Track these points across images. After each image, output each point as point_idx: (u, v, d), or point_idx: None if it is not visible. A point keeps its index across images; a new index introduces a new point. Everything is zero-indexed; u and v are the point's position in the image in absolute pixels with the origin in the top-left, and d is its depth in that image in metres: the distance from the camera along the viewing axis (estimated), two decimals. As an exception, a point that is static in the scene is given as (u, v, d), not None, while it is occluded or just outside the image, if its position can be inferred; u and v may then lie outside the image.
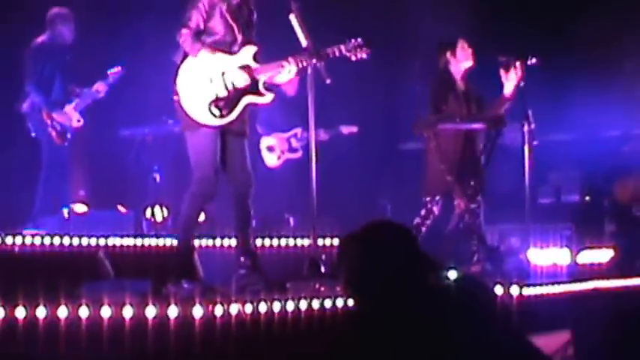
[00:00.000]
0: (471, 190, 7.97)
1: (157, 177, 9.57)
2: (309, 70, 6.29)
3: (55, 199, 8.24)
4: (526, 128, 7.66)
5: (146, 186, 9.61)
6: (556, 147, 9.91)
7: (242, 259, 6.32)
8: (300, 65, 6.30)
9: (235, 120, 6.25)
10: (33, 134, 8.49)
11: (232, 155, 6.29)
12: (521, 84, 7.83)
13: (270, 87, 6.39)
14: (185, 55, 6.22)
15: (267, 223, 8.32)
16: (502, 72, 7.84)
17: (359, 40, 6.35)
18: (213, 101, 6.15)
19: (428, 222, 7.87)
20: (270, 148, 9.59)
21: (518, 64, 7.79)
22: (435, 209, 7.88)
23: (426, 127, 7.92)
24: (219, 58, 6.20)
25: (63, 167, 8.42)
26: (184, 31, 6.13)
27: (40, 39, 8.53)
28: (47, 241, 6.48)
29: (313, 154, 6.38)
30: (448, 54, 8.13)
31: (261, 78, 6.31)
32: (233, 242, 6.81)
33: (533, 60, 7.77)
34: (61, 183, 8.36)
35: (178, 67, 6.22)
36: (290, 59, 6.28)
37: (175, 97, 6.18)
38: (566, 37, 10.48)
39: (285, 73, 6.32)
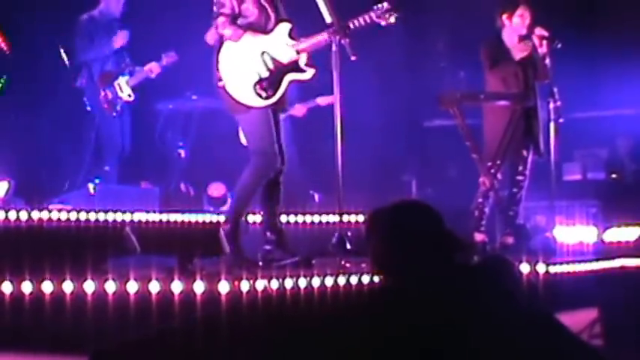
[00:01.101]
0: (521, 162, 7.87)
1: (182, 153, 9.54)
2: (334, 47, 6.20)
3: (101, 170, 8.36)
4: (552, 105, 7.59)
5: (172, 162, 9.58)
6: (582, 124, 9.79)
7: (268, 234, 6.28)
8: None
9: (281, 98, 6.23)
10: (88, 108, 8.57)
11: (279, 132, 6.30)
12: (547, 61, 7.74)
13: (311, 63, 6.34)
14: (222, 39, 6.15)
15: (292, 200, 8.25)
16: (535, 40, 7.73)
17: (385, 4, 6.25)
18: (258, 82, 6.11)
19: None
20: None
21: (545, 42, 7.69)
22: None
23: (450, 103, 7.78)
24: (257, 39, 6.16)
25: (111, 138, 8.50)
26: (221, 19, 6.08)
27: (90, 13, 8.56)
28: (73, 216, 6.45)
29: (339, 130, 6.31)
30: (505, 17, 7.93)
31: (301, 54, 6.26)
32: (258, 218, 6.75)
33: (559, 45, 7.67)
34: (109, 156, 8.47)
35: (218, 52, 6.16)
36: (325, 33, 6.22)
37: (220, 83, 6.13)
38: (593, 16, 10.35)
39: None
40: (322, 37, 6.22)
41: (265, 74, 6.14)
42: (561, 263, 6.69)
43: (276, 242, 6.27)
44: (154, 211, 6.96)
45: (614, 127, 10.36)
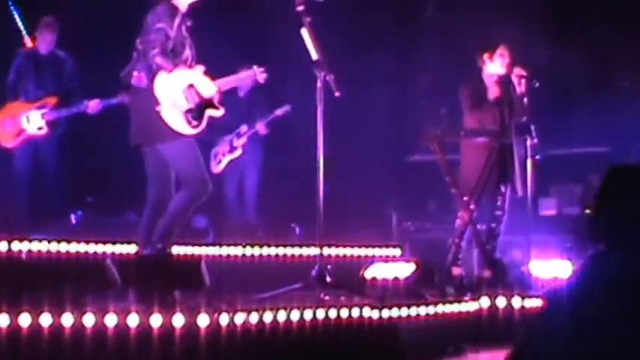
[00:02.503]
0: (500, 197, 7.84)
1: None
2: (319, 83, 6.20)
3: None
4: (529, 142, 7.58)
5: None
6: (558, 161, 9.76)
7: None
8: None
9: (201, 131, 6.24)
10: None
11: None
12: (525, 100, 7.72)
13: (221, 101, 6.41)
14: (152, 74, 6.11)
15: (272, 232, 8.18)
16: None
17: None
18: (187, 111, 6.11)
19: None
20: (215, 154, 9.38)
21: (524, 81, 7.69)
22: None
23: (431, 140, 7.75)
24: (185, 72, 6.16)
25: (18, 169, 8.34)
26: (155, 51, 6.03)
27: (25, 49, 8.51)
28: (53, 247, 6.31)
29: (321, 164, 6.23)
30: (485, 56, 7.92)
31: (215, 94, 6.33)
32: (239, 251, 6.66)
33: (537, 84, 7.70)
34: (17, 187, 8.31)
35: (152, 82, 6.10)
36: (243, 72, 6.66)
37: (158, 108, 6.07)
38: (568, 57, 10.39)
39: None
40: (242, 76, 6.55)
41: (192, 105, 6.14)
42: (537, 297, 6.61)
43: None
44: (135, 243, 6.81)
45: (588, 163, 10.33)
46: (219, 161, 9.37)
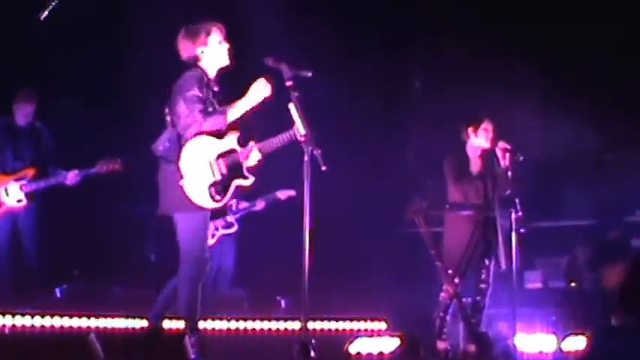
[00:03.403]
0: (484, 270, 7.84)
1: (153, 257, 9.38)
2: (306, 157, 6.10)
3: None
4: (514, 216, 7.58)
5: (140, 266, 9.40)
6: (543, 234, 9.78)
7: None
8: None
9: (225, 203, 6.21)
10: None
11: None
12: (509, 174, 7.75)
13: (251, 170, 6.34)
14: (181, 144, 6.09)
15: (257, 304, 8.12)
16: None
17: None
18: (212, 185, 6.07)
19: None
20: None
21: (508, 155, 7.72)
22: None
23: (416, 213, 7.76)
24: (214, 142, 6.14)
25: None
26: (199, 109, 6.02)
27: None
28: (37, 321, 6.24)
29: (307, 238, 6.19)
30: (470, 130, 7.98)
31: (244, 161, 6.27)
32: (224, 325, 6.59)
33: (521, 158, 7.74)
34: None
35: (179, 153, 6.07)
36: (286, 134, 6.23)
37: (181, 182, 6.03)
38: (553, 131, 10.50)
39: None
40: (284, 137, 6.22)
41: (218, 177, 6.12)
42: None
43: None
44: (119, 317, 6.76)
45: (573, 236, 10.36)
46: (212, 235, 9.06)
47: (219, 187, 6.09)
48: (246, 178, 6.27)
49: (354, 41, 10.51)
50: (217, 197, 6.06)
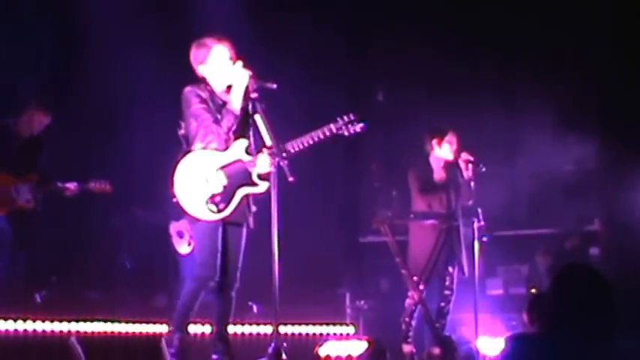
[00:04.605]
0: (448, 277, 7.98)
1: (128, 264, 9.46)
2: (273, 168, 6.14)
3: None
4: (476, 225, 7.75)
5: (116, 272, 9.49)
6: (504, 242, 9.96)
7: (217, 344, 6.23)
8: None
9: (233, 211, 6.16)
10: None
11: (230, 245, 6.22)
12: (472, 184, 7.93)
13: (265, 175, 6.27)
14: (178, 160, 6.15)
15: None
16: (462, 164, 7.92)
17: (350, 115, 6.33)
18: (210, 198, 6.07)
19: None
20: (180, 234, 8.89)
21: (471, 166, 7.89)
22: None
23: (382, 222, 7.91)
24: (215, 156, 6.14)
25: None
26: (211, 120, 6.08)
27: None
28: (19, 325, 6.33)
29: (275, 246, 6.30)
30: (434, 141, 8.12)
31: (253, 168, 6.21)
32: (207, 329, 6.69)
33: (483, 169, 7.90)
34: None
35: (174, 169, 6.12)
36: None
37: (174, 200, 6.10)
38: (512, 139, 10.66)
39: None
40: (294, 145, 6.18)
41: (219, 190, 6.11)
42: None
43: (223, 352, 6.22)
44: (99, 321, 6.87)
45: (533, 245, 10.53)
46: (189, 243, 8.75)
47: (220, 199, 6.06)
48: (255, 185, 6.20)
49: (317, 52, 10.59)
50: (216, 209, 6.03)
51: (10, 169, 8.30)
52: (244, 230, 6.27)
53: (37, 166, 8.48)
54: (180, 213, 6.24)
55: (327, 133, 6.28)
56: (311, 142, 6.23)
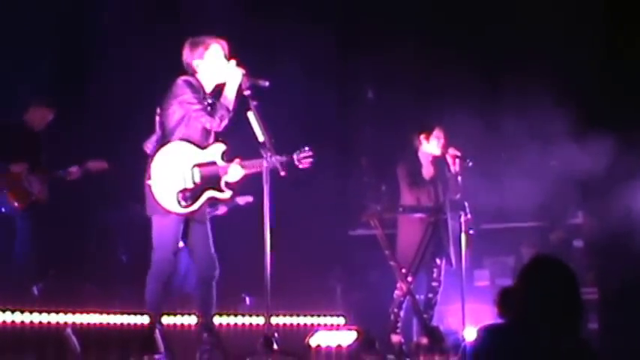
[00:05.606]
0: (436, 269, 8.01)
1: (124, 258, 9.48)
2: (265, 164, 6.19)
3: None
4: (463, 218, 7.78)
5: (112, 266, 9.50)
6: (491, 235, 10.00)
7: (205, 335, 6.25)
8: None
9: (197, 210, 6.21)
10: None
11: (196, 241, 6.27)
12: (459, 179, 7.97)
13: (230, 184, 6.34)
14: (160, 145, 6.17)
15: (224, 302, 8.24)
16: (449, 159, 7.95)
17: (307, 149, 6.43)
18: (181, 191, 6.10)
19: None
20: None
21: (458, 161, 7.93)
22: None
23: (371, 216, 7.96)
24: (193, 151, 6.18)
25: None
26: (199, 109, 6.10)
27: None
28: (17, 317, 6.34)
29: (268, 240, 6.32)
30: (422, 137, 8.15)
31: (224, 175, 6.27)
32: (193, 320, 6.72)
33: (470, 164, 7.94)
34: None
35: (154, 154, 6.14)
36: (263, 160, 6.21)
37: (148, 182, 6.11)
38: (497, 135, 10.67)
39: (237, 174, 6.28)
40: (260, 165, 6.20)
41: (190, 186, 6.13)
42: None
43: (212, 342, 6.24)
44: (94, 313, 6.88)
45: (519, 237, 10.57)
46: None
47: (189, 195, 6.08)
48: (221, 191, 6.27)
49: (307, 49, 10.62)
50: (184, 203, 6.06)
51: (22, 165, 8.34)
52: (207, 227, 6.31)
53: (41, 160, 8.53)
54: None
55: (280, 164, 6.25)
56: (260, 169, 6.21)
